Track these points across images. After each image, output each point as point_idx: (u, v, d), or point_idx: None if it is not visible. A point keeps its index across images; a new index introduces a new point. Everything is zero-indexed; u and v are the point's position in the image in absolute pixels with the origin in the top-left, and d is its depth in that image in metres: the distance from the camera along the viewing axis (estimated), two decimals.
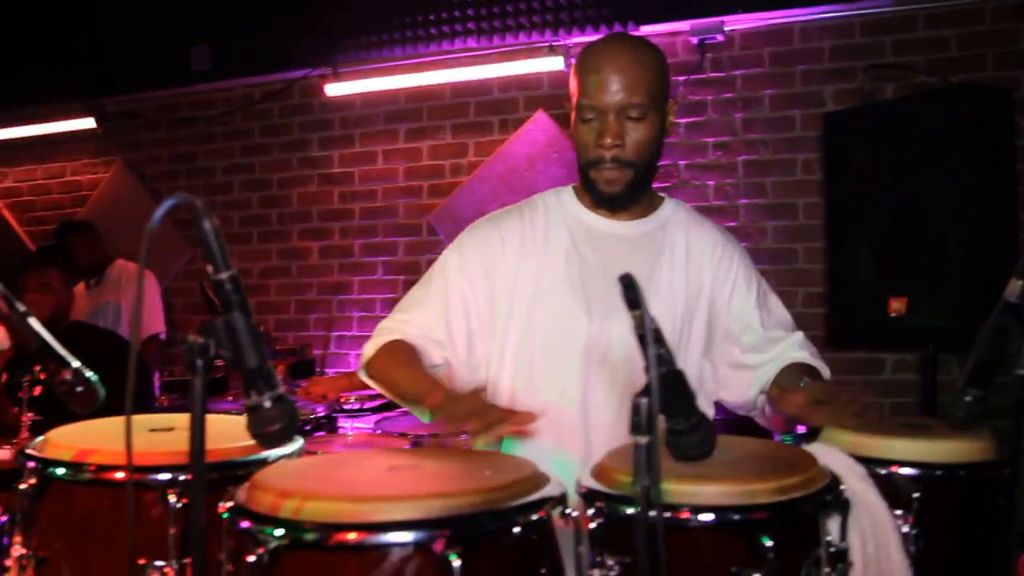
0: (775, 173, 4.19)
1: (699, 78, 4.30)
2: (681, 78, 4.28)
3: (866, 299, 3.39)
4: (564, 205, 1.89)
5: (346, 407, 3.57)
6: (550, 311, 1.80)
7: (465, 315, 1.83)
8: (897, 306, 3.28)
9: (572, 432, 1.78)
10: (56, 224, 5.71)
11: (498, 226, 1.87)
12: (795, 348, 1.84)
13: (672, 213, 1.89)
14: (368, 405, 3.58)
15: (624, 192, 1.78)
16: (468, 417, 1.45)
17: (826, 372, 1.82)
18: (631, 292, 1.05)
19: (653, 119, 1.74)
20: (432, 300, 1.85)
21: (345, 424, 3.55)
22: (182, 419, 1.48)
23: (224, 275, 1.06)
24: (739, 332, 1.84)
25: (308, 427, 3.31)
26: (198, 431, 1.01)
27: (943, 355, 3.33)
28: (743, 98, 4.25)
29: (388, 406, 3.43)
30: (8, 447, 2.57)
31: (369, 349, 1.84)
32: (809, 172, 4.12)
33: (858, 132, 3.49)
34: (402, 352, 1.78)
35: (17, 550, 1.40)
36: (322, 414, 3.44)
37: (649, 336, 1.04)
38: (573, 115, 1.79)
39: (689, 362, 1.82)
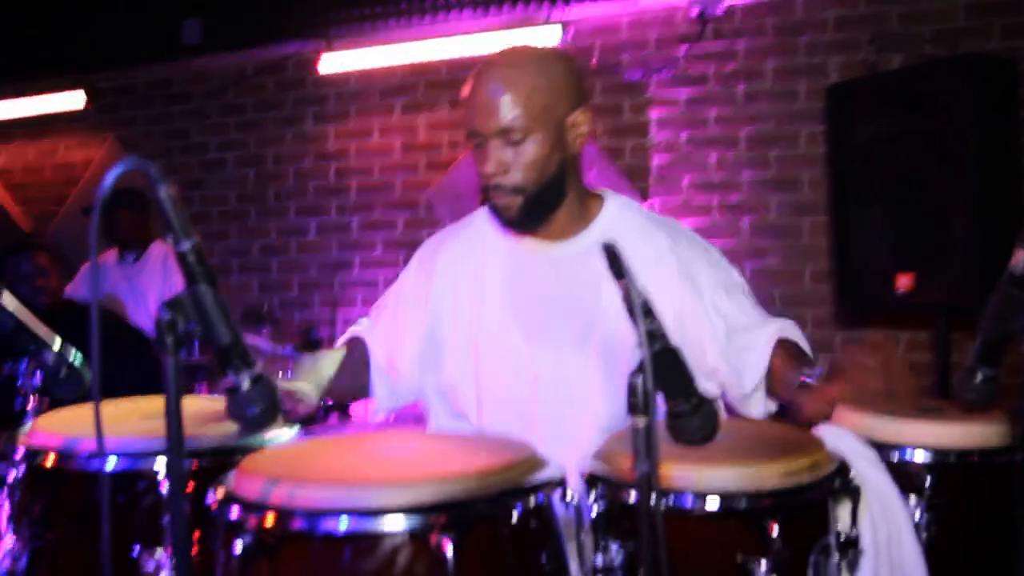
0: (778, 146, 4.13)
1: (701, 50, 4.23)
2: (682, 50, 4.21)
3: (873, 275, 3.35)
4: (496, 230, 1.79)
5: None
6: (494, 344, 1.74)
7: (412, 338, 1.84)
8: (905, 282, 3.24)
9: None
10: (50, 203, 5.70)
11: (437, 246, 1.88)
12: (763, 340, 1.71)
13: (615, 220, 1.77)
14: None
15: (520, 217, 1.68)
16: None
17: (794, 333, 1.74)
18: (614, 262, 1.01)
19: (540, 138, 1.62)
20: (386, 318, 1.90)
21: (358, 410, 3.51)
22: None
23: (185, 245, 1.00)
24: (703, 351, 1.71)
25: (320, 413, 3.27)
26: (174, 413, 0.96)
27: (957, 332, 3.28)
28: (745, 70, 4.18)
29: None
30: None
31: (342, 338, 1.92)
32: (813, 145, 4.06)
33: (863, 104, 3.43)
34: (355, 353, 1.85)
35: (9, 541, 1.37)
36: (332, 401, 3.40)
37: (638, 309, 1.01)
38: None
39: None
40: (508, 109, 1.60)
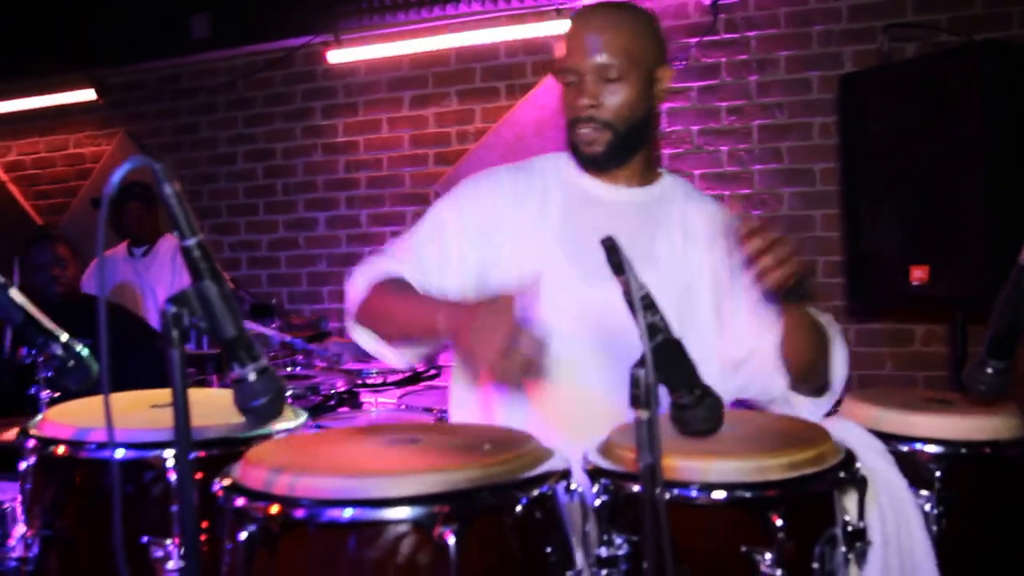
0: (791, 138, 4.09)
1: (712, 40, 4.19)
2: (693, 40, 4.18)
3: (887, 268, 3.32)
4: (560, 169, 1.86)
5: (369, 381, 3.52)
6: (543, 275, 1.69)
7: (460, 276, 1.77)
8: (919, 274, 3.22)
9: (563, 403, 1.70)
10: (61, 196, 5.73)
11: (495, 182, 1.85)
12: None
13: (671, 187, 1.86)
14: (391, 379, 3.52)
15: (605, 153, 1.75)
16: (495, 350, 1.36)
17: (833, 331, 1.74)
18: (614, 256, 1.02)
19: (634, 82, 1.72)
20: (427, 254, 1.79)
21: (369, 399, 3.50)
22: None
23: (191, 241, 1.02)
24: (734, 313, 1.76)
25: (332, 402, 3.27)
26: (180, 403, 0.98)
27: (974, 324, 3.25)
28: (758, 60, 4.14)
29: (411, 380, 3.38)
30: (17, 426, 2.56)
31: (361, 284, 1.77)
32: (826, 136, 4.01)
33: (877, 94, 3.40)
34: (405, 286, 1.73)
35: (20, 529, 1.40)
36: (343, 388, 3.39)
37: (638, 303, 1.02)
38: (559, 80, 1.79)
39: (693, 337, 1.72)
40: (610, 48, 1.69)
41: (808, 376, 1.71)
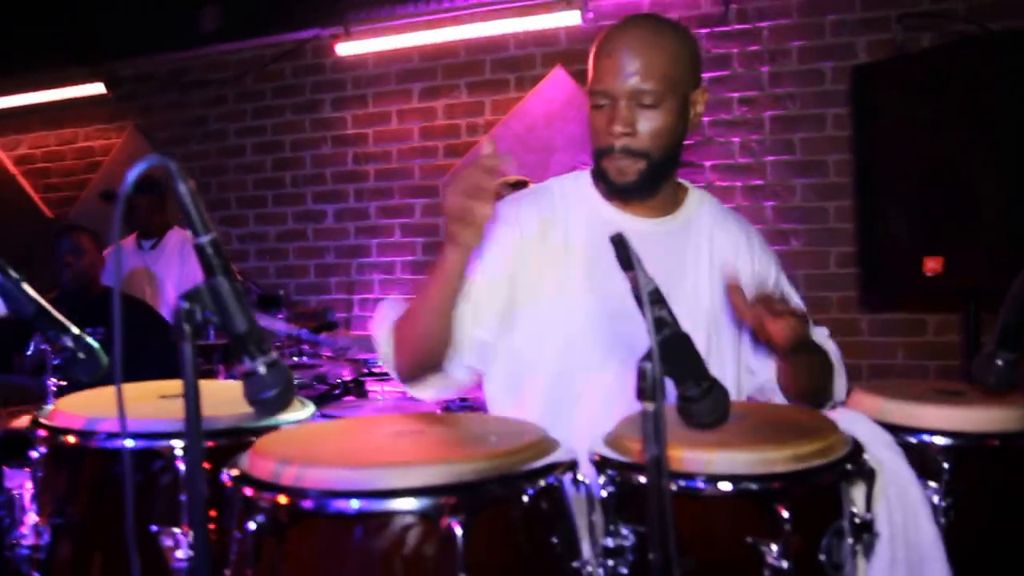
0: (804, 129, 4.06)
1: (723, 30, 4.16)
2: (704, 31, 4.15)
3: (900, 259, 3.31)
4: (582, 195, 1.76)
5: (375, 370, 3.52)
6: (571, 314, 1.68)
7: (475, 306, 1.67)
8: (933, 265, 3.21)
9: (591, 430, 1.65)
10: (70, 189, 5.74)
11: (514, 213, 1.72)
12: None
13: (696, 209, 1.79)
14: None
15: (637, 183, 1.66)
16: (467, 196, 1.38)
17: (831, 351, 1.75)
18: (623, 252, 1.03)
19: (670, 107, 1.62)
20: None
21: (375, 388, 3.51)
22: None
23: (204, 239, 1.04)
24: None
25: (337, 391, 3.27)
26: (191, 396, 1.00)
27: (987, 314, 3.23)
28: (770, 51, 4.10)
29: None
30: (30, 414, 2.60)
31: (384, 324, 1.71)
32: (839, 128, 3.97)
33: (891, 85, 3.38)
34: None
35: (32, 518, 1.43)
36: (349, 378, 3.39)
37: (646, 297, 1.02)
38: (588, 101, 1.69)
39: (722, 368, 1.72)
40: (647, 72, 1.59)
41: (806, 400, 1.69)
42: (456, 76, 4.75)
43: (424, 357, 1.65)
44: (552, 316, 1.68)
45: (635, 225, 1.72)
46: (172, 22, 5.14)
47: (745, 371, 1.77)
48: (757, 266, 1.78)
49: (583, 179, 1.79)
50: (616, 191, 1.70)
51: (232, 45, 5.16)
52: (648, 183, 1.67)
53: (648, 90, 1.60)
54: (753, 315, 1.45)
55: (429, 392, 1.75)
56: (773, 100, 4.10)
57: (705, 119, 4.17)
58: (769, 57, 4.10)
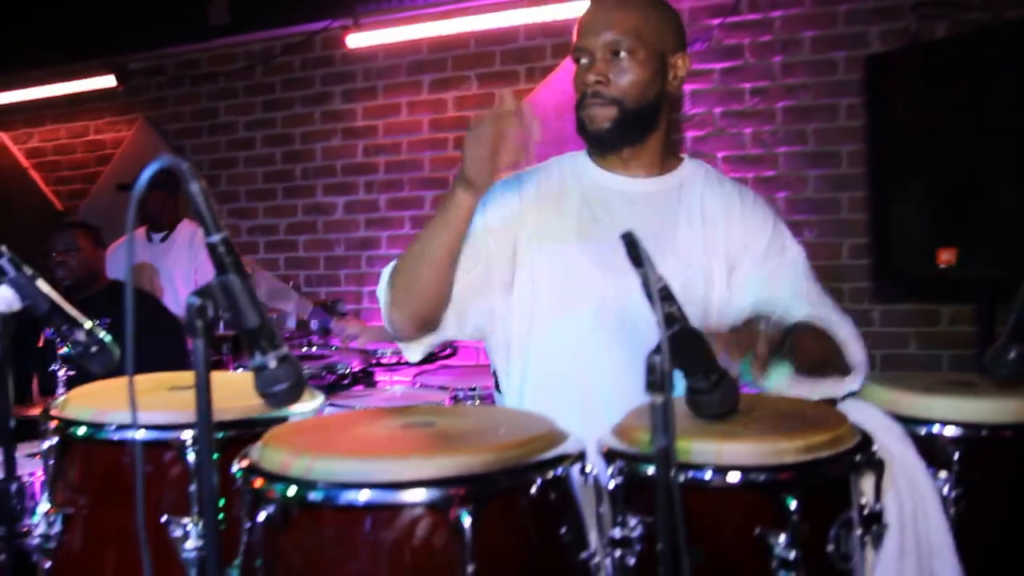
0: (816, 119, 4.02)
1: (735, 20, 4.12)
2: (716, 21, 4.12)
3: (914, 250, 3.31)
4: (578, 166, 1.86)
5: (384, 361, 3.53)
6: (562, 268, 1.76)
7: (487, 270, 1.77)
8: (947, 257, 3.20)
9: (579, 392, 1.73)
10: (80, 183, 5.75)
11: (516, 182, 1.84)
12: (802, 308, 1.70)
13: (691, 173, 1.85)
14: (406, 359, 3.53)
15: (611, 131, 1.74)
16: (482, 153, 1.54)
17: (844, 333, 1.69)
18: (633, 249, 1.06)
19: (643, 61, 1.72)
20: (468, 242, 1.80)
21: (384, 378, 3.51)
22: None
23: (215, 237, 1.06)
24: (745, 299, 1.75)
25: (346, 381, 3.29)
26: (203, 392, 1.02)
27: (1003, 305, 3.20)
28: (782, 40, 4.06)
29: (426, 360, 3.38)
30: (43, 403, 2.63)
31: (385, 281, 1.79)
32: (852, 118, 3.93)
33: (905, 75, 3.36)
34: None
35: (44, 505, 1.45)
36: (358, 368, 3.40)
37: (656, 294, 1.05)
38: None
39: (712, 325, 1.72)
40: (619, 25, 1.71)
41: (815, 374, 1.66)
42: (466, 68, 4.73)
43: (422, 310, 1.73)
44: (547, 274, 1.76)
45: (625, 185, 1.81)
46: (182, 15, 5.14)
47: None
48: (751, 223, 1.80)
49: (580, 156, 1.89)
50: (591, 140, 1.78)
51: (241, 37, 5.15)
52: (622, 131, 1.75)
53: (618, 39, 1.70)
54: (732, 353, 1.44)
55: (419, 352, 1.83)
56: (785, 90, 4.06)
57: (716, 110, 4.15)
58: (781, 47, 4.07)
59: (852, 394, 1.64)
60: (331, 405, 2.73)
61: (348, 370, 3.33)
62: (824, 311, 1.72)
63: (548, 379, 1.76)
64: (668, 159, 1.85)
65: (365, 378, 3.42)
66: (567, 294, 1.75)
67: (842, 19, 3.95)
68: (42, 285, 1.51)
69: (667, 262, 1.64)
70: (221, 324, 3.04)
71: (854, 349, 1.69)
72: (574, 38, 1.77)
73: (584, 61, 1.75)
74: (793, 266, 1.81)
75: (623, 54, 1.71)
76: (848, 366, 1.68)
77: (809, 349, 1.59)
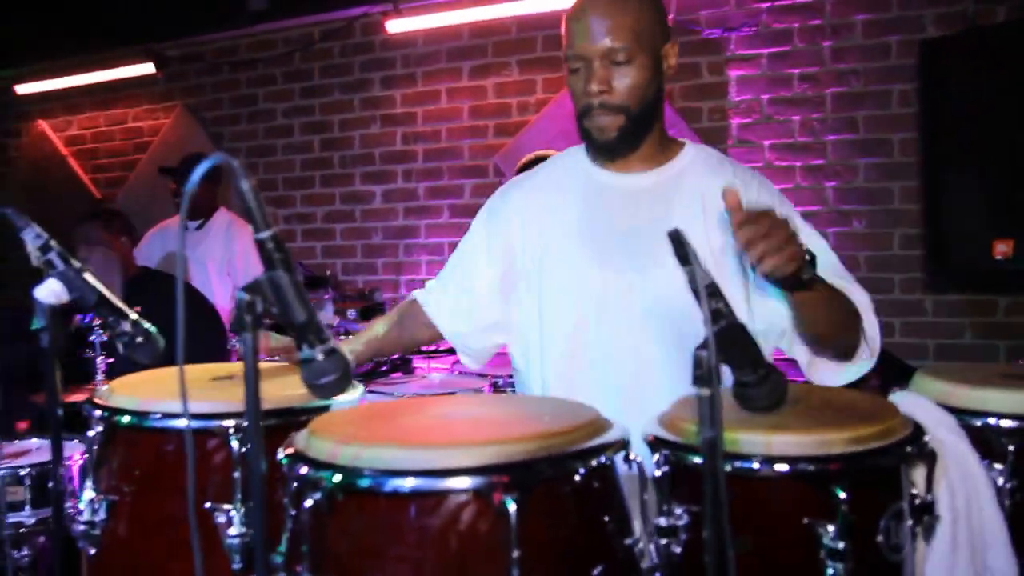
0: (867, 106, 3.92)
1: (784, 4, 4.03)
2: (764, 5, 4.03)
3: (969, 241, 3.25)
4: (576, 163, 1.88)
5: (423, 348, 3.50)
6: (562, 268, 1.80)
7: (489, 282, 1.89)
8: (1003, 249, 3.12)
9: (593, 388, 1.72)
10: (119, 170, 5.78)
11: (506, 191, 1.95)
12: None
13: (691, 161, 1.84)
14: (444, 345, 3.51)
15: (619, 138, 1.76)
16: None
17: (860, 299, 1.69)
18: (680, 247, 1.07)
19: (643, 62, 1.72)
20: (457, 268, 1.97)
21: (421, 364, 3.49)
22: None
23: (265, 234, 1.08)
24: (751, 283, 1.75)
25: (384, 368, 3.28)
26: (252, 385, 1.03)
27: None
28: (832, 25, 3.97)
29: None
30: (85, 391, 2.64)
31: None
32: (905, 105, 3.84)
33: (961, 60, 3.29)
34: (395, 313, 2.01)
35: (88, 493, 1.48)
36: (396, 355, 3.37)
37: (703, 290, 1.06)
38: (565, 67, 1.78)
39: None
40: (616, 31, 1.69)
41: (831, 346, 1.70)
42: (507, 54, 4.68)
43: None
44: (548, 274, 1.82)
45: (623, 181, 1.82)
46: (221, 2, 5.15)
47: (758, 319, 1.74)
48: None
49: (580, 151, 1.89)
50: (600, 149, 1.79)
51: (280, 24, 5.14)
52: (630, 137, 1.76)
53: (619, 47, 1.69)
54: (745, 236, 1.40)
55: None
56: (836, 76, 3.97)
57: (764, 97, 4.07)
58: (832, 31, 3.97)
59: (904, 387, 1.62)
60: (370, 392, 2.72)
61: (386, 358, 3.30)
62: (843, 283, 1.69)
63: (556, 371, 1.80)
64: (666, 148, 1.84)
65: (403, 365, 3.40)
66: (570, 294, 1.78)
67: (896, 2, 3.85)
68: (89, 277, 1.55)
69: (662, 257, 1.61)
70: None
71: (869, 320, 1.69)
72: (565, 41, 1.75)
73: (580, 67, 1.73)
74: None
75: (622, 60, 1.70)
76: (858, 335, 1.67)
77: (829, 297, 1.58)
